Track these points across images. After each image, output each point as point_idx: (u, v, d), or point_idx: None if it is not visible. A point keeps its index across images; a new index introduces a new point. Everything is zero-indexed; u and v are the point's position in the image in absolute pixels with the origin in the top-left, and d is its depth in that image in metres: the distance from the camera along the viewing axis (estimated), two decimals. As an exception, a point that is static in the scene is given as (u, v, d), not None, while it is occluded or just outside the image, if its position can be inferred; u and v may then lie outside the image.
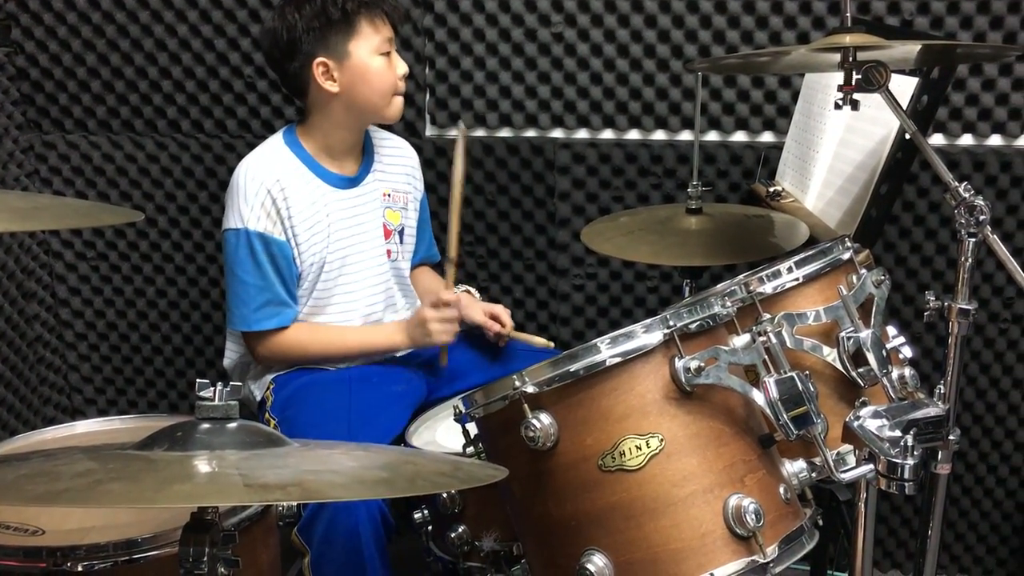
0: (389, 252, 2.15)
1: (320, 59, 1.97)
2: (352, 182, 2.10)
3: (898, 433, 1.34)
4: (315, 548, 1.77)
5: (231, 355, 2.16)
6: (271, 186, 1.98)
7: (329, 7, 1.95)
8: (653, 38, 2.41)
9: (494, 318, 2.14)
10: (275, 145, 2.06)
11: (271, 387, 2.06)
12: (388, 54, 2.01)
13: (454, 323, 2.03)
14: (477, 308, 2.15)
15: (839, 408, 1.48)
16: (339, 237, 2.06)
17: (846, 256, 1.56)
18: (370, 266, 2.12)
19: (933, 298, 1.55)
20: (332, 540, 1.75)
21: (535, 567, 1.42)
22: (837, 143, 2.07)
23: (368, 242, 2.11)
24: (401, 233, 2.18)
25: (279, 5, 2.02)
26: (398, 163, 2.21)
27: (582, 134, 2.52)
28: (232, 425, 1.13)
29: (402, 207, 2.19)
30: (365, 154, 2.15)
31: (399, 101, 2.06)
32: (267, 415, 2.02)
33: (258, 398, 2.09)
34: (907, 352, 1.60)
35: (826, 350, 1.48)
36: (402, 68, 2.04)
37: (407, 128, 2.49)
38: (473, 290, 2.24)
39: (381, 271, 2.14)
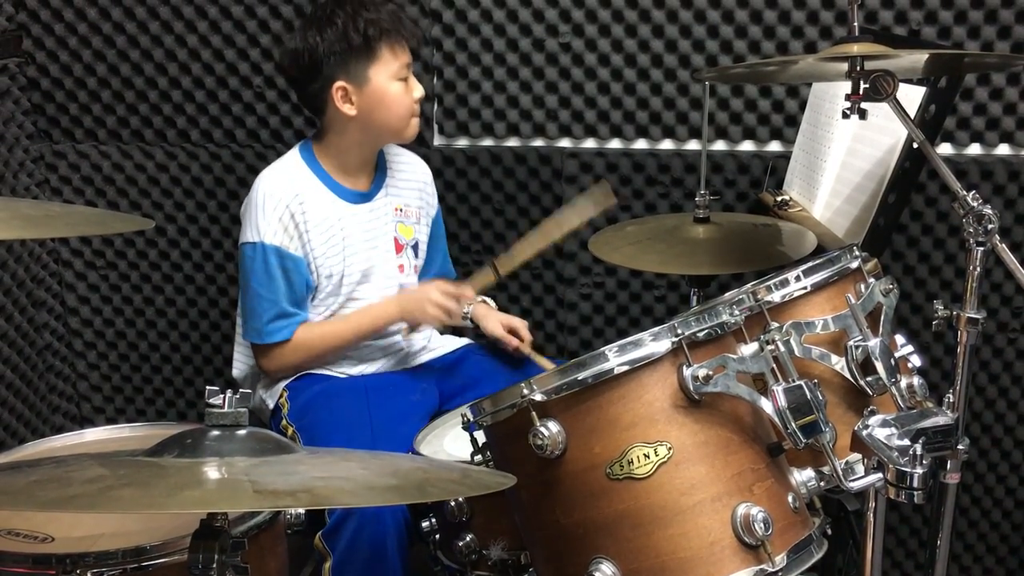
0: (401, 267, 2.17)
1: (340, 83, 1.98)
2: (365, 197, 2.12)
3: (907, 442, 1.33)
4: (339, 554, 1.78)
5: (241, 365, 2.18)
6: (290, 201, 2.00)
7: (351, 33, 1.96)
8: (661, 48, 2.42)
9: (512, 331, 2.14)
10: (293, 160, 2.08)
11: (285, 394, 2.07)
12: (406, 78, 2.03)
13: (449, 316, 2.04)
14: (494, 320, 2.16)
15: (848, 417, 1.48)
16: (353, 251, 2.08)
17: (854, 265, 1.56)
18: (382, 279, 2.13)
19: (942, 307, 1.55)
20: (358, 547, 1.76)
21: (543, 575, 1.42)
22: (845, 152, 2.07)
23: (380, 256, 2.13)
24: (415, 248, 2.20)
25: (301, 26, 2.03)
26: (410, 179, 2.22)
27: (589, 143, 2.53)
28: (242, 432, 1.13)
29: (414, 222, 2.20)
30: (378, 170, 2.17)
31: (415, 123, 2.08)
32: (284, 422, 2.02)
33: (271, 406, 2.09)
34: (916, 361, 1.60)
35: (834, 359, 1.48)
36: (419, 91, 2.06)
37: (416, 139, 2.49)
38: (490, 300, 2.25)
39: (392, 284, 2.15)
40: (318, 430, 1.96)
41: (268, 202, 2.00)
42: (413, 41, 2.06)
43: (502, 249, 2.57)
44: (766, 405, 1.34)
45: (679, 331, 1.32)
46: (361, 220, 2.10)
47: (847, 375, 1.49)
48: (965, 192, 1.47)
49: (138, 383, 2.84)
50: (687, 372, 1.30)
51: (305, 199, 2.02)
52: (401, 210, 2.18)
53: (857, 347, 1.48)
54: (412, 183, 2.22)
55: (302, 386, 2.07)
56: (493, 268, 2.13)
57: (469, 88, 2.52)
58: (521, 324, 2.17)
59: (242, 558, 1.15)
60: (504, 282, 2.13)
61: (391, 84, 2.01)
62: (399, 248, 2.17)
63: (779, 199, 2.26)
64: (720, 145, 2.47)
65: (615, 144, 2.52)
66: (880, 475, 1.33)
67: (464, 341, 2.27)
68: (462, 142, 2.58)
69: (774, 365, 1.37)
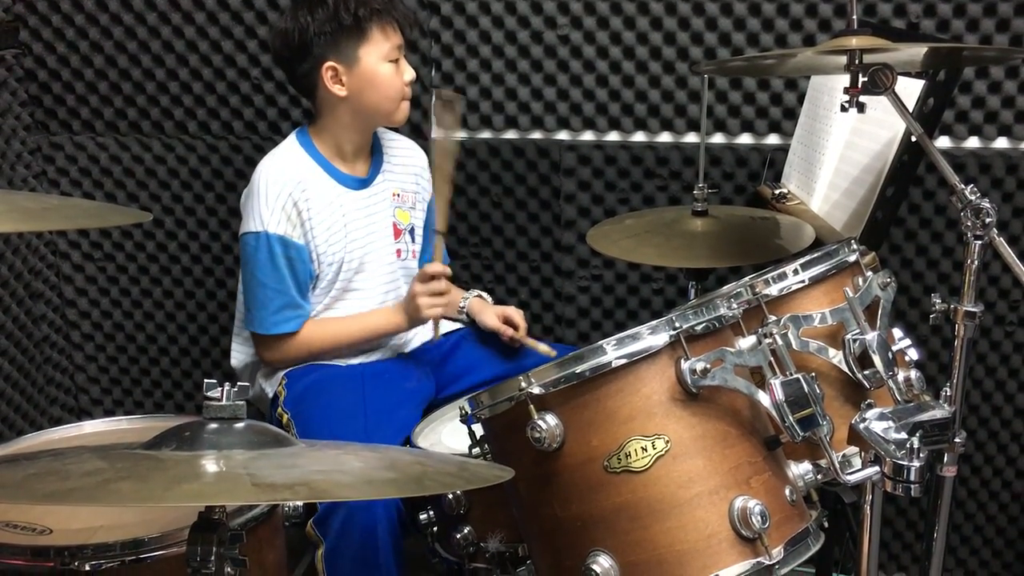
0: (399, 252, 2.17)
1: (329, 63, 1.98)
2: (364, 183, 2.12)
3: (904, 435, 1.33)
4: (330, 540, 1.78)
5: (240, 356, 2.17)
6: (292, 189, 2.00)
7: (341, 12, 1.96)
8: (659, 40, 2.42)
9: (507, 321, 2.15)
10: (291, 148, 2.08)
11: (283, 382, 2.07)
12: (397, 60, 2.03)
13: (442, 297, 2.03)
14: (490, 312, 2.18)
15: (845, 410, 1.48)
16: (355, 237, 2.09)
17: (852, 258, 1.56)
18: (381, 265, 2.14)
19: (939, 300, 1.54)
20: (349, 533, 1.76)
21: (540, 568, 1.42)
22: (843, 145, 2.07)
23: (379, 241, 2.13)
24: (411, 232, 2.20)
25: (292, 6, 2.03)
26: (407, 164, 2.22)
27: (588, 136, 2.53)
28: (240, 425, 1.14)
29: (411, 207, 2.21)
30: (374, 155, 2.17)
31: (405, 106, 2.08)
32: (280, 410, 2.03)
33: (270, 394, 2.10)
34: (913, 354, 1.60)
35: (832, 352, 1.48)
36: (409, 74, 2.06)
37: (412, 130, 2.50)
38: (485, 295, 2.26)
39: (391, 270, 2.16)
40: (312, 419, 1.97)
41: (271, 190, 2.00)
42: (405, 23, 2.05)
43: (499, 242, 2.59)
44: (764, 398, 1.34)
45: (677, 324, 1.32)
46: (360, 205, 2.11)
47: (844, 368, 1.49)
48: (963, 185, 1.47)
49: (136, 375, 2.85)
50: (685, 365, 1.30)
51: (307, 186, 2.02)
52: (398, 195, 2.18)
53: (855, 340, 1.48)
54: (408, 168, 2.23)
55: (300, 374, 2.07)
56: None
57: (467, 80, 2.52)
58: (516, 313, 2.17)
59: (240, 550, 1.15)
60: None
61: (381, 65, 2.01)
62: (397, 233, 2.17)
63: (777, 192, 2.26)
64: (718, 138, 2.47)
65: (613, 137, 2.52)
66: (877, 468, 1.34)
67: (457, 326, 2.27)
68: (460, 135, 2.57)
69: (772, 358, 1.37)
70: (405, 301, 2.08)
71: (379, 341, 2.14)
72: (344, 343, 2.09)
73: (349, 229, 2.07)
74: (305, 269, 2.03)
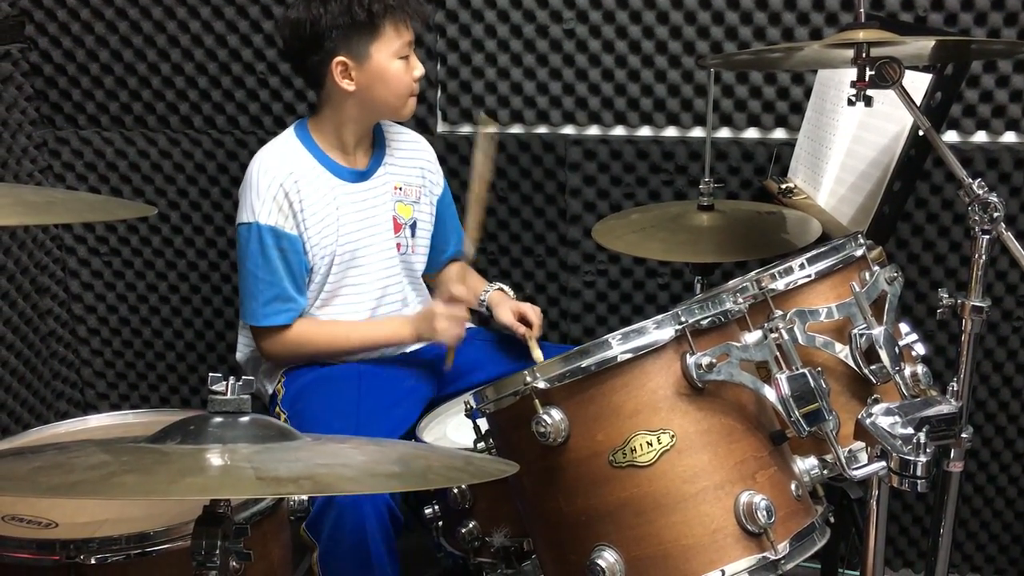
0: (399, 246, 2.15)
1: (340, 58, 1.97)
2: (362, 176, 2.11)
3: (910, 430, 1.33)
4: (323, 543, 1.78)
5: (244, 349, 2.17)
6: (284, 180, 1.99)
7: (355, 7, 1.94)
8: (665, 34, 2.41)
9: (523, 319, 2.13)
10: (287, 140, 2.07)
11: (282, 380, 2.07)
12: (407, 56, 2.02)
13: (461, 323, 2.02)
14: (506, 308, 2.14)
15: (851, 405, 1.48)
16: (348, 231, 2.07)
17: (859, 253, 1.56)
18: (378, 259, 2.12)
19: (946, 295, 1.54)
20: (339, 536, 1.76)
21: (545, 563, 1.42)
22: (850, 140, 2.06)
23: (377, 235, 2.12)
24: (413, 227, 2.19)
25: None
26: (411, 157, 2.21)
27: (593, 130, 2.52)
28: (244, 419, 1.14)
29: (414, 201, 2.19)
30: (376, 148, 2.16)
31: (412, 101, 2.07)
32: (278, 408, 2.03)
33: (270, 392, 2.10)
34: (920, 349, 1.60)
35: (838, 347, 1.48)
36: (419, 70, 2.05)
37: (419, 124, 2.49)
38: (507, 288, 2.22)
39: (390, 264, 2.14)
40: (306, 416, 1.96)
41: (262, 182, 1.99)
42: (417, 19, 2.04)
43: (505, 236, 2.58)
44: (769, 393, 1.34)
45: (682, 319, 1.32)
46: (357, 199, 2.09)
47: (851, 363, 1.49)
48: (970, 180, 1.46)
49: (142, 369, 2.85)
50: (690, 360, 1.30)
51: (299, 177, 2.01)
52: (400, 188, 2.16)
53: (861, 335, 1.48)
54: (412, 161, 2.21)
55: (299, 373, 2.07)
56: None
57: (472, 75, 2.51)
58: (532, 311, 2.13)
59: (245, 544, 1.15)
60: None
61: (392, 62, 2.00)
62: (397, 227, 2.15)
63: (783, 187, 2.26)
64: (724, 132, 2.46)
65: (619, 131, 2.51)
66: (883, 463, 1.33)
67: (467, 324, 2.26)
68: (465, 129, 2.57)
69: (777, 353, 1.37)
70: (419, 317, 2.06)
71: (379, 350, 2.13)
72: (344, 347, 2.07)
73: (342, 222, 2.06)
74: (299, 260, 2.01)
